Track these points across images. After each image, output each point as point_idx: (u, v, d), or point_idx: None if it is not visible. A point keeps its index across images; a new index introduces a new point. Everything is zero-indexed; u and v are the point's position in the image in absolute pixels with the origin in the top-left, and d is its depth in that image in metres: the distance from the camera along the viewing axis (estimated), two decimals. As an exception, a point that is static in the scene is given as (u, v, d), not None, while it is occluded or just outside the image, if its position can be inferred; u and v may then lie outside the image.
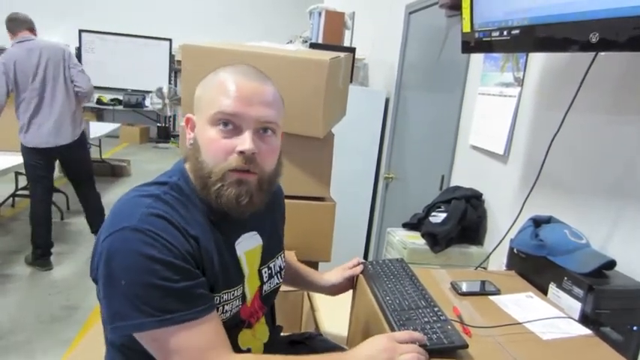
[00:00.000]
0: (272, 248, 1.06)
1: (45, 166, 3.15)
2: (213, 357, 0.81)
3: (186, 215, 0.86)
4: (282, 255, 1.12)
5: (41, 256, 3.23)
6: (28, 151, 3.07)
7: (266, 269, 1.04)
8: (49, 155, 3.14)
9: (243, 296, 0.95)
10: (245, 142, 0.85)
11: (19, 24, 3.06)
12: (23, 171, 4.13)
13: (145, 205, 0.83)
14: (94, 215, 3.53)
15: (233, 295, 0.92)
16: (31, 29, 3.10)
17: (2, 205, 4.32)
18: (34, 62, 2.97)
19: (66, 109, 3.09)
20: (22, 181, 4.44)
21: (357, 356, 0.84)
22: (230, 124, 0.86)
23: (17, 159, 3.38)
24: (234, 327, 0.95)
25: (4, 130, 3.52)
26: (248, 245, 0.98)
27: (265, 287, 1.04)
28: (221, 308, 0.89)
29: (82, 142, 3.25)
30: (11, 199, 4.45)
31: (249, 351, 0.99)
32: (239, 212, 0.88)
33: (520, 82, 1.68)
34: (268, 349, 1.05)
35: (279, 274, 1.08)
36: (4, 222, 4.16)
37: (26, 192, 4.45)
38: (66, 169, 3.38)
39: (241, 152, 0.85)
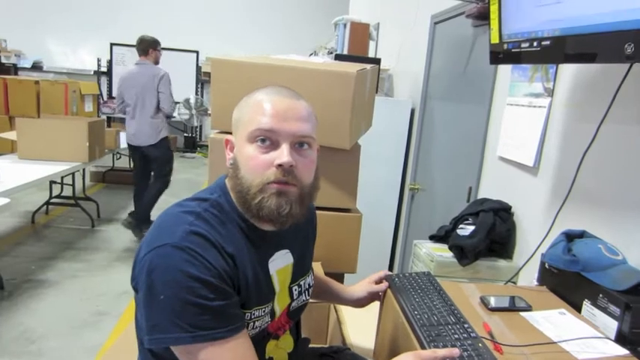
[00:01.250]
0: (303, 266, 1.08)
1: (136, 157, 4.22)
2: None
3: (224, 233, 0.89)
4: (312, 273, 1.14)
5: (135, 225, 4.14)
6: (127, 145, 4.21)
7: (296, 287, 1.05)
8: (135, 150, 4.14)
9: (273, 312, 0.97)
10: (283, 155, 0.87)
11: (137, 49, 4.08)
12: (57, 179, 4.33)
13: (187, 223, 0.86)
14: (138, 215, 4.17)
15: (264, 311, 0.94)
16: (146, 52, 4.05)
17: (37, 213, 4.44)
18: (134, 82, 3.98)
19: (147, 120, 4.00)
20: (56, 190, 4.58)
21: None
22: (267, 140, 0.89)
23: (52, 168, 3.50)
24: (261, 339, 0.97)
25: (40, 141, 3.65)
26: (280, 263, 1.00)
27: (294, 304, 1.05)
28: (252, 324, 0.92)
29: (157, 145, 4.07)
30: (45, 206, 4.58)
31: None
32: (280, 223, 0.91)
33: (550, 92, 1.65)
34: (293, 358, 1.06)
35: (307, 292, 1.10)
36: (38, 229, 4.29)
37: (59, 200, 4.60)
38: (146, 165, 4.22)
39: (279, 165, 0.87)
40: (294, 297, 1.05)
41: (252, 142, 0.89)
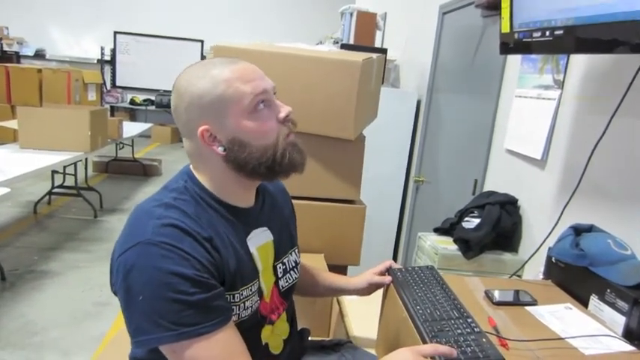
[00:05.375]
0: (284, 244, 1.07)
1: None
2: None
3: (197, 218, 0.87)
4: (296, 250, 1.13)
5: None
6: None
7: (280, 265, 1.04)
8: None
9: (260, 291, 0.96)
10: (282, 107, 0.92)
11: None
12: (59, 169, 4.30)
13: (157, 217, 0.83)
14: None
15: (251, 290, 0.93)
16: None
17: (39, 203, 4.45)
18: None
19: None
20: (58, 180, 4.58)
21: None
22: (264, 101, 0.89)
23: (54, 158, 3.49)
24: (256, 324, 0.96)
25: (41, 130, 3.64)
26: (259, 241, 0.99)
27: (282, 282, 1.04)
28: (242, 305, 0.90)
29: None
30: (47, 196, 4.58)
31: (267, 346, 1.00)
32: (303, 166, 0.96)
33: (560, 84, 1.62)
34: (288, 345, 1.06)
35: (294, 269, 1.09)
36: (40, 219, 4.29)
37: (62, 190, 4.60)
38: None
39: (286, 117, 0.91)
40: (280, 275, 1.04)
41: (254, 111, 0.87)
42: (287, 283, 1.06)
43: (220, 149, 0.88)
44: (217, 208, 0.92)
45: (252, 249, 0.96)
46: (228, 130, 0.88)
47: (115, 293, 0.85)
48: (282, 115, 0.90)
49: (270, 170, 0.91)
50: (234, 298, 0.89)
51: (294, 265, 1.09)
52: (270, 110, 0.90)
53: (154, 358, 0.88)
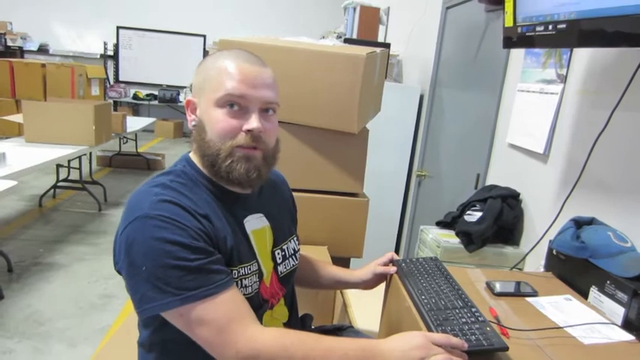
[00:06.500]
0: (282, 231, 1.09)
1: None
2: (237, 326, 0.84)
3: (194, 197, 0.91)
4: (295, 238, 1.15)
5: None
6: None
7: (279, 251, 1.07)
8: None
9: (260, 273, 0.99)
10: (253, 121, 0.91)
11: None
12: (64, 163, 4.30)
13: (153, 194, 0.87)
14: None
15: (249, 269, 0.95)
16: None
17: (44, 197, 4.47)
18: None
19: None
20: (63, 173, 4.60)
21: (390, 348, 0.85)
22: (237, 105, 0.91)
23: (58, 151, 3.50)
24: (259, 307, 0.98)
25: (46, 124, 3.65)
26: (255, 225, 1.02)
27: (281, 268, 1.07)
28: (240, 282, 0.92)
29: None
30: (52, 190, 4.60)
31: None
32: (249, 185, 0.96)
33: (563, 78, 1.63)
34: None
35: (293, 257, 1.12)
36: (45, 212, 4.31)
37: (66, 183, 4.62)
38: None
39: (249, 131, 0.91)
40: (279, 261, 1.06)
41: (221, 106, 0.91)
42: (286, 269, 1.08)
43: (193, 122, 0.96)
44: (214, 191, 0.95)
45: (249, 230, 0.99)
46: (201, 110, 0.95)
47: (119, 272, 0.88)
48: (245, 126, 0.91)
49: (213, 167, 0.93)
50: (231, 274, 0.91)
51: (293, 252, 1.11)
52: (240, 116, 0.92)
53: (162, 339, 0.91)
